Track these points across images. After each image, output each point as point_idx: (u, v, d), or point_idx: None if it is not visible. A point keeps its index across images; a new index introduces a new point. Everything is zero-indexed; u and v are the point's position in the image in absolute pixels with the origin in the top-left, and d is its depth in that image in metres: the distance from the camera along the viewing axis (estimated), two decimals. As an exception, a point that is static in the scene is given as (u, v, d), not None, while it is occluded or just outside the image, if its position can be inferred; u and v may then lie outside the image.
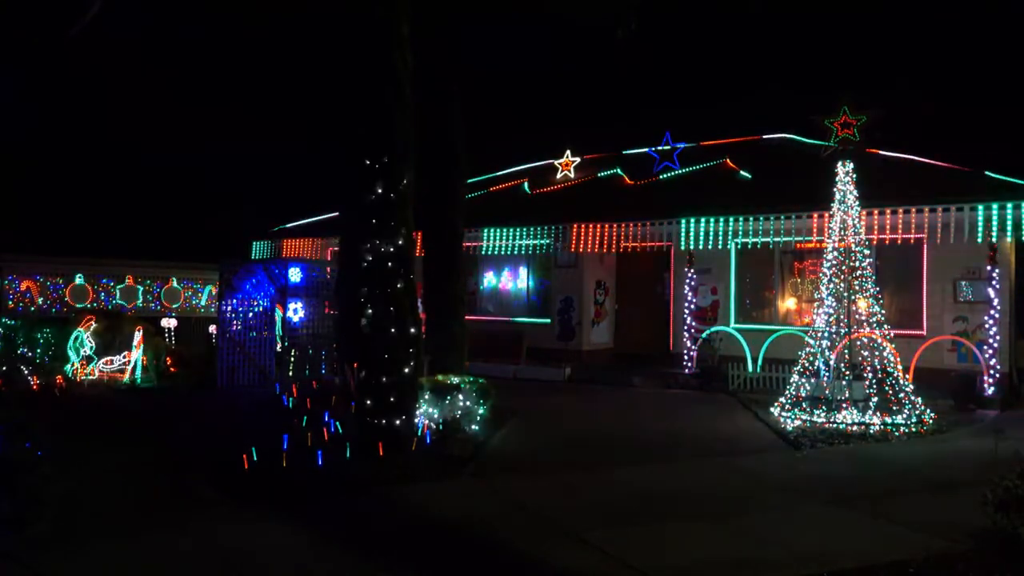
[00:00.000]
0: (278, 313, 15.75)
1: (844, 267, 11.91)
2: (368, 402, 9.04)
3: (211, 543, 6.21)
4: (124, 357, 15.56)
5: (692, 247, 16.16)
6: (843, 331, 11.90)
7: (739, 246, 16.45)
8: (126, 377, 15.18)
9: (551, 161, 20.59)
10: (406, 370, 9.16)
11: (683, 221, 16.04)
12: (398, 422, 9.00)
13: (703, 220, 15.85)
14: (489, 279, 20.13)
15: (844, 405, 11.48)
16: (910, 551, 5.92)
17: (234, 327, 15.17)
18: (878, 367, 11.68)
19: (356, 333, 9.29)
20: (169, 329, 19.17)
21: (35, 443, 6.71)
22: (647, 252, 17.15)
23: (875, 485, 8.21)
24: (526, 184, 20.44)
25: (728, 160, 17.91)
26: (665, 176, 18.37)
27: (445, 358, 13.06)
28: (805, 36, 25.47)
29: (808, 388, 11.98)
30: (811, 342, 12.08)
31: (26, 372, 14.06)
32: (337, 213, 17.09)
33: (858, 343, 11.93)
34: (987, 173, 14.05)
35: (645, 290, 18.71)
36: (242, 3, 14.39)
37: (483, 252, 18.63)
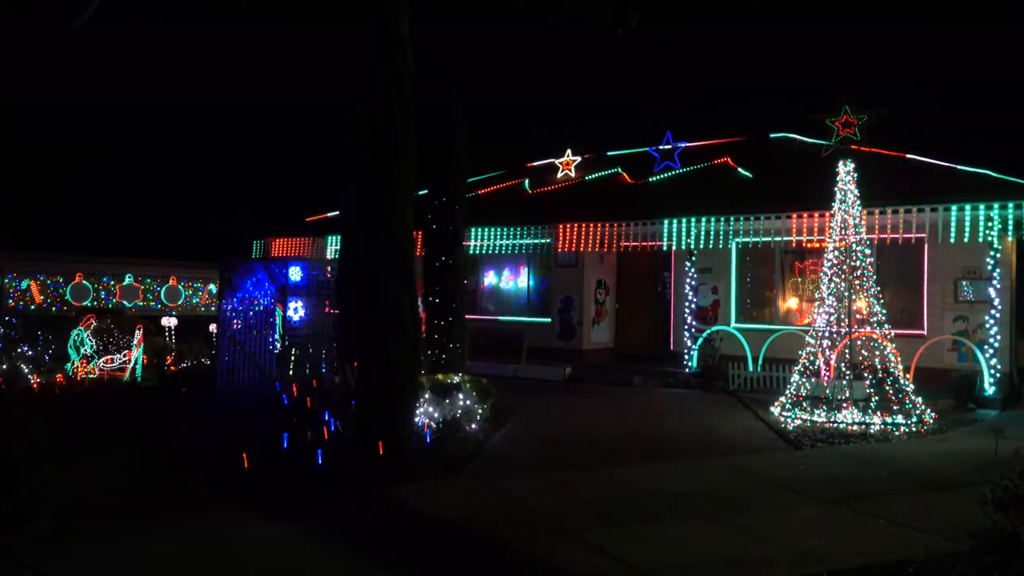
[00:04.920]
0: (278, 312, 15.76)
1: (845, 267, 11.90)
2: (368, 401, 9.04)
3: (211, 542, 6.21)
4: (124, 356, 15.57)
5: (693, 246, 16.15)
6: (843, 331, 11.90)
7: (739, 245, 16.45)
8: (126, 376, 15.19)
9: (551, 160, 20.59)
10: (406, 369, 9.15)
11: (683, 220, 16.03)
12: (398, 421, 8.99)
13: (703, 219, 15.84)
14: (489, 278, 20.12)
15: (844, 405, 11.48)
16: (910, 551, 5.92)
17: (235, 326, 15.17)
18: (878, 367, 11.67)
19: (356, 332, 9.28)
20: (169, 328, 19.17)
21: (35, 442, 6.71)
22: (647, 251, 17.14)
23: (875, 485, 8.21)
24: (526, 183, 20.43)
25: (728, 159, 17.89)
26: (666, 175, 18.36)
27: (445, 357, 13.06)
28: (805, 35, 25.46)
29: (808, 388, 11.98)
30: (812, 342, 12.08)
31: (27, 371, 14.06)
32: (337, 212, 17.14)
33: (858, 343, 11.92)
34: (987, 172, 14.04)
35: (646, 289, 18.70)
36: (243, 3, 14.39)
37: (483, 252, 18.63)
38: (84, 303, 19.58)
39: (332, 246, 20.19)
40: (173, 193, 29.37)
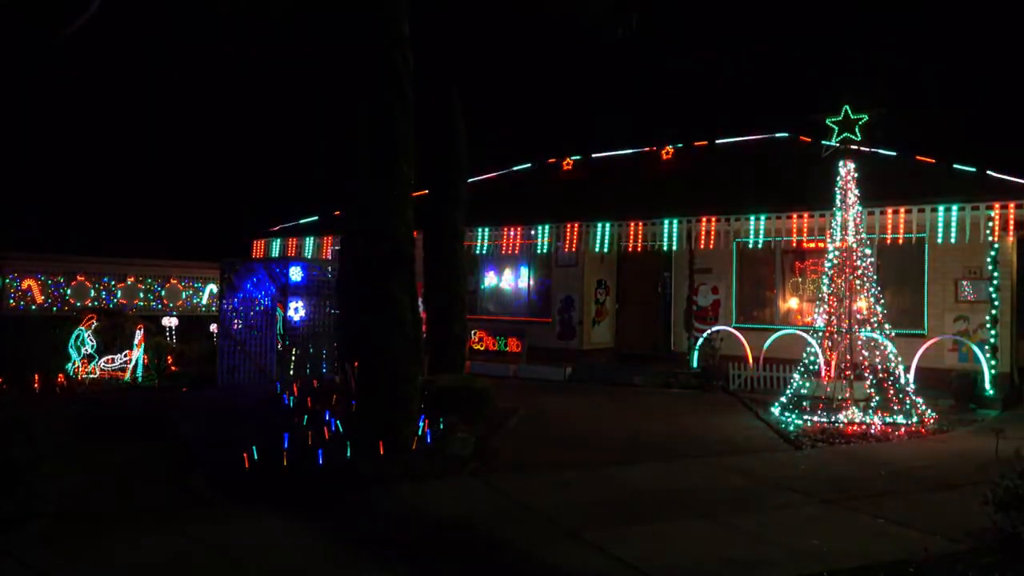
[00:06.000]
0: (279, 312, 15.76)
1: (845, 267, 11.91)
2: (368, 401, 9.04)
3: (212, 542, 6.21)
4: (125, 356, 15.58)
5: (693, 246, 16.14)
6: (844, 331, 11.90)
7: (740, 246, 16.44)
8: (127, 376, 15.20)
9: (552, 160, 20.58)
10: (406, 369, 9.15)
11: (684, 220, 16.03)
12: (398, 421, 8.99)
13: (704, 219, 15.83)
14: (489, 278, 20.12)
15: (845, 405, 11.48)
16: (910, 551, 5.93)
17: (235, 326, 15.18)
18: (879, 367, 11.67)
19: (356, 332, 9.28)
20: (170, 328, 19.17)
21: (35, 442, 6.72)
22: (648, 251, 17.14)
23: (875, 485, 8.21)
24: (526, 183, 20.43)
25: (729, 159, 17.87)
26: (666, 175, 18.34)
27: (445, 357, 13.07)
28: (806, 35, 25.48)
29: (809, 388, 11.98)
30: (812, 342, 12.08)
31: (27, 371, 14.06)
32: (338, 212, 17.14)
33: (859, 343, 11.92)
34: (988, 172, 14.03)
35: (646, 289, 18.69)
36: (243, 3, 14.39)
37: (483, 251, 18.63)
38: (85, 303, 19.57)
39: (332, 246, 20.19)
40: (173, 193, 29.36)
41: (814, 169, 14.54)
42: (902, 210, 13.87)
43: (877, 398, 11.54)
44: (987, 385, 13.27)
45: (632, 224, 16.63)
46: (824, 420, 11.36)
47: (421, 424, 9.47)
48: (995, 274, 13.67)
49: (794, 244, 15.37)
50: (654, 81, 25.81)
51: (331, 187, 14.97)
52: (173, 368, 16.04)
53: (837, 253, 11.99)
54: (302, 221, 22.45)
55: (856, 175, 12.08)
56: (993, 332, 13.52)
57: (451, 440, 9.43)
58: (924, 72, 23.42)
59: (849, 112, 13.32)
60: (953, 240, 13.55)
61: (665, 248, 16.71)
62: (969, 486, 7.51)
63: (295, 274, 15.53)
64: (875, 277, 12.06)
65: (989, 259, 13.72)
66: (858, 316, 11.86)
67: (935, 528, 6.53)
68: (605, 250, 17.28)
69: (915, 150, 15.58)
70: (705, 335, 16.23)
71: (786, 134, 18.26)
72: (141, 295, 21.16)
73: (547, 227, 17.66)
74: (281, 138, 29.26)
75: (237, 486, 7.80)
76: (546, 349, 18.28)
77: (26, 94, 23.49)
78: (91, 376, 15.20)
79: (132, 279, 20.96)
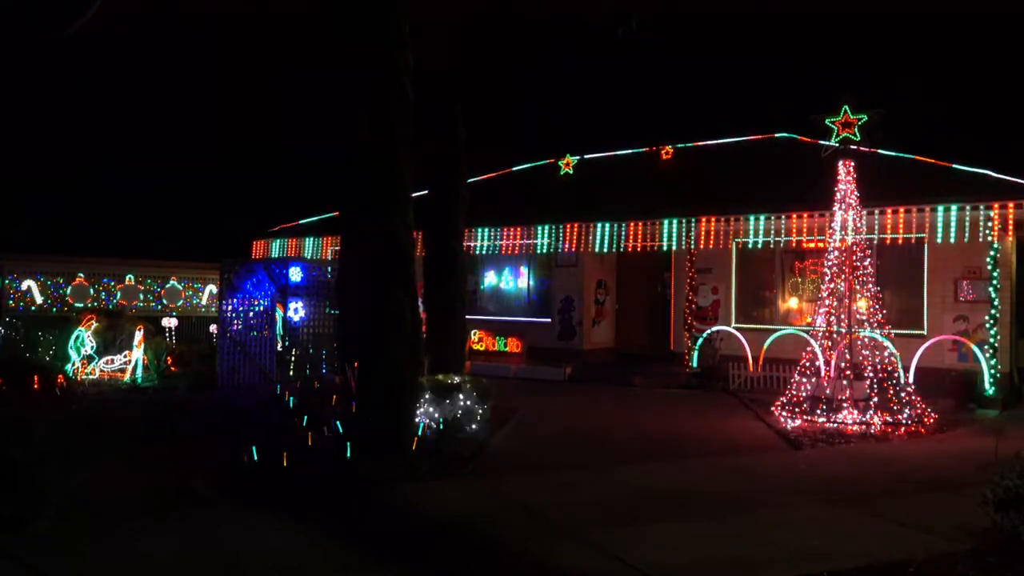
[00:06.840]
0: (279, 312, 15.76)
1: (845, 267, 11.91)
2: (369, 401, 9.04)
3: (212, 543, 6.21)
4: (125, 357, 15.58)
5: (693, 247, 16.14)
6: (844, 330, 11.90)
7: (740, 246, 16.45)
8: (127, 377, 15.19)
9: (551, 160, 20.57)
10: (406, 369, 9.16)
11: (683, 221, 16.03)
12: (399, 422, 9.00)
13: (703, 220, 15.84)
14: (489, 278, 20.12)
15: (844, 405, 11.48)
16: (910, 551, 5.92)
17: (235, 326, 15.17)
18: (879, 367, 11.67)
19: (356, 332, 9.28)
20: (170, 328, 19.18)
21: (35, 442, 6.72)
22: (648, 252, 17.15)
23: (875, 485, 8.21)
24: (526, 184, 20.43)
25: (728, 160, 17.87)
26: (666, 175, 18.34)
27: (445, 357, 13.05)
28: (805, 35, 25.47)
29: (809, 388, 11.98)
30: (812, 342, 12.08)
31: (27, 371, 14.05)
32: (337, 212, 17.14)
33: (859, 343, 11.93)
34: (987, 172, 14.04)
35: (646, 289, 18.70)
36: (243, 1, 14.38)
37: (483, 252, 18.63)
38: (84, 304, 19.59)
39: (332, 246, 20.20)
40: (173, 193, 29.38)
41: (814, 169, 14.55)
42: (901, 210, 13.88)
43: (877, 398, 11.54)
44: (987, 385, 13.27)
45: (632, 224, 16.64)
46: (824, 420, 11.36)
47: (421, 425, 9.46)
48: (995, 274, 13.68)
49: (794, 244, 15.37)
50: (654, 81, 25.81)
51: (332, 187, 14.98)
52: (173, 369, 16.04)
53: (837, 253, 11.99)
54: (303, 221, 22.46)
55: (855, 175, 12.08)
56: (993, 332, 13.52)
57: (451, 441, 9.43)
58: (924, 72, 23.44)
59: (849, 112, 13.34)
60: (952, 240, 13.56)
61: (665, 248, 16.72)
62: (969, 486, 7.51)
63: (295, 274, 15.53)
64: (875, 277, 12.06)
65: (989, 259, 13.73)
66: (858, 316, 11.86)
67: (935, 528, 6.53)
68: (605, 250, 17.28)
69: (915, 150, 15.58)
70: (705, 335, 16.24)
71: (786, 134, 18.26)
72: (141, 296, 21.16)
73: (547, 228, 17.66)
74: (282, 138, 29.26)
75: (237, 486, 7.80)
76: (546, 349, 18.28)
77: (26, 94, 23.49)
78: (90, 377, 15.20)
79: (132, 280, 20.96)
